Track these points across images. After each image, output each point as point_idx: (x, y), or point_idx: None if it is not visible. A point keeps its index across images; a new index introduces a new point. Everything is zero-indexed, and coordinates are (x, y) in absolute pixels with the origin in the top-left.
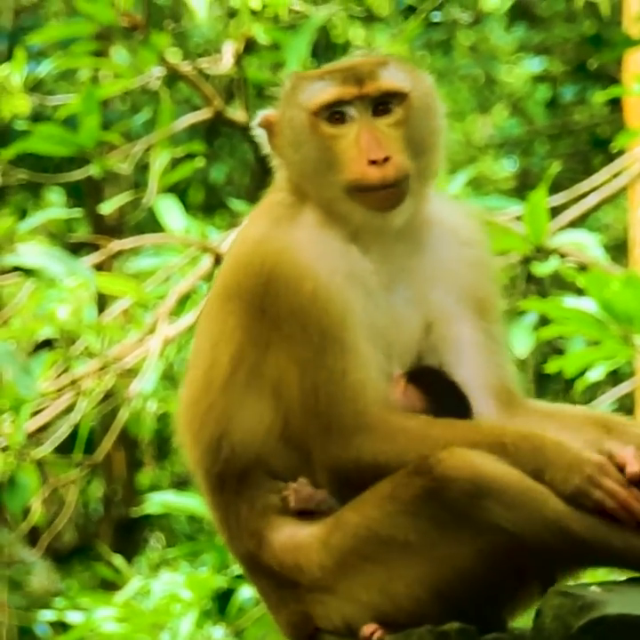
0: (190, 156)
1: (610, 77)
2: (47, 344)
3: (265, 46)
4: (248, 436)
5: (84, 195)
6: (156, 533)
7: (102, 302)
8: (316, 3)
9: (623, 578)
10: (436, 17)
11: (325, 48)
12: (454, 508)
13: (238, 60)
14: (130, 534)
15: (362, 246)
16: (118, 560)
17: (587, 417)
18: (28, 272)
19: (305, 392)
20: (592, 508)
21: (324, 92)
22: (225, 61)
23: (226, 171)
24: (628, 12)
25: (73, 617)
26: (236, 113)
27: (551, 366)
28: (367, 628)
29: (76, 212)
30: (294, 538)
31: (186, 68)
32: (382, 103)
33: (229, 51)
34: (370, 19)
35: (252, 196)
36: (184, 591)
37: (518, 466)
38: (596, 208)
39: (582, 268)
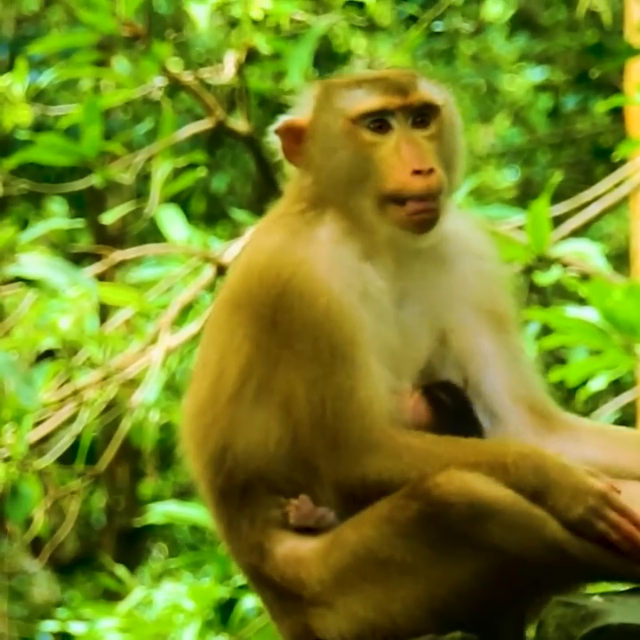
0: (192, 166)
1: (612, 87)
2: (49, 354)
3: (266, 56)
4: (253, 448)
5: (86, 205)
6: (159, 543)
7: (104, 312)
8: (318, 12)
9: (625, 588)
10: (438, 26)
11: (327, 58)
12: (452, 531)
13: (240, 70)
14: (132, 544)
15: (379, 261)
16: (121, 570)
17: (631, 436)
18: (29, 282)
19: (313, 408)
20: (594, 539)
21: (366, 100)
22: (226, 71)
23: (228, 180)
24: (630, 22)
25: (76, 627)
26: (238, 123)
27: (553, 376)
28: None
29: (78, 222)
30: (296, 551)
31: (187, 77)
32: (421, 115)
33: (231, 60)
34: (371, 28)
35: (254, 205)
36: (187, 601)
37: (520, 486)
38: (598, 217)
39: (584, 277)
